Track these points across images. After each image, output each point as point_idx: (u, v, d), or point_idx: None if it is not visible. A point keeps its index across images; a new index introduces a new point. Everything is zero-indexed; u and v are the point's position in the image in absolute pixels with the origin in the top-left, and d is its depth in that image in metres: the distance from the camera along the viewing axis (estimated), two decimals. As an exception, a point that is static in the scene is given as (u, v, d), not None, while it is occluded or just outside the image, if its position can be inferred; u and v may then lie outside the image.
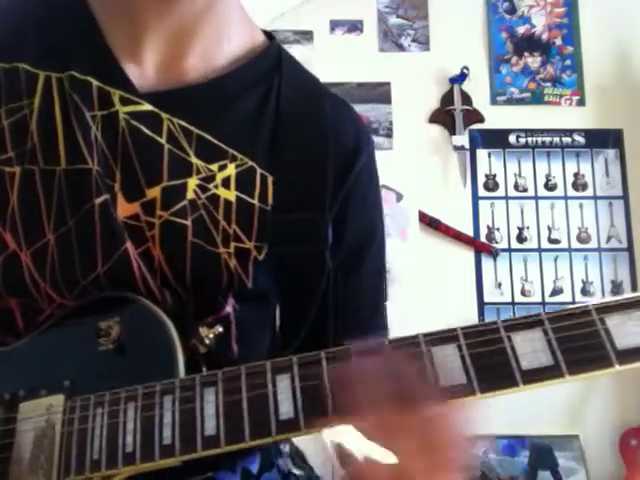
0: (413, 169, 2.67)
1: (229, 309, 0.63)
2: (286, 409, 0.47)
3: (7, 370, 0.58)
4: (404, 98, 2.76)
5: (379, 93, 2.74)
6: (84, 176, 0.60)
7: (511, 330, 0.47)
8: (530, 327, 0.46)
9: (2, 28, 0.66)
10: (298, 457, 0.75)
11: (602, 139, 2.77)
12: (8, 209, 0.60)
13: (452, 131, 2.75)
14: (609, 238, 2.71)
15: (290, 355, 0.50)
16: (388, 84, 2.77)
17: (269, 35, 0.73)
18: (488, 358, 0.46)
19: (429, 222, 2.64)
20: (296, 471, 0.72)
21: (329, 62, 2.65)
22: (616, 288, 2.68)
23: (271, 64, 0.70)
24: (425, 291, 2.53)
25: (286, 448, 0.73)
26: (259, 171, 0.64)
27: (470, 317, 2.65)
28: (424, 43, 2.84)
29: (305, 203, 0.65)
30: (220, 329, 0.58)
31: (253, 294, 0.64)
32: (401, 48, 2.84)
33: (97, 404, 0.51)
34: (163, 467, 0.49)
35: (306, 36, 2.76)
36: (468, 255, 2.70)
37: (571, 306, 0.47)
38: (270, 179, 0.64)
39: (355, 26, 2.84)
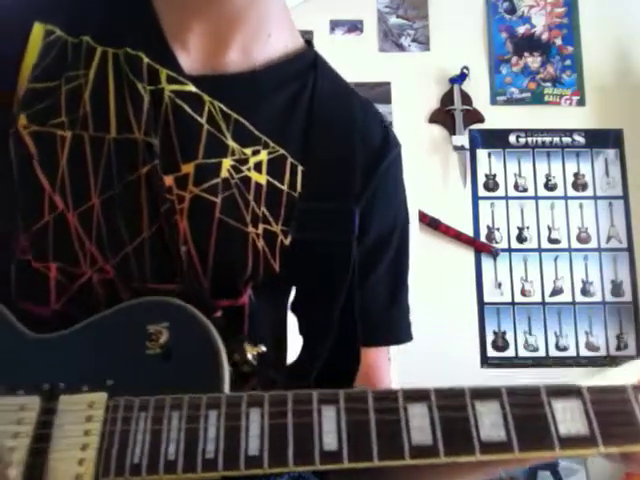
0: (413, 169, 2.66)
1: (245, 299, 0.63)
2: (330, 440, 0.47)
3: (48, 359, 0.57)
4: (404, 98, 2.76)
5: (379, 93, 2.73)
6: (132, 145, 0.63)
7: (552, 396, 0.48)
8: (569, 395, 0.48)
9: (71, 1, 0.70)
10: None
11: (602, 139, 2.77)
12: (58, 171, 0.62)
13: (452, 131, 2.75)
14: (609, 238, 2.72)
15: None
16: (388, 84, 2.77)
17: (308, 42, 0.78)
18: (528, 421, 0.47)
19: (429, 222, 2.64)
20: (305, 474, 0.72)
21: (329, 62, 2.64)
22: (616, 288, 2.68)
23: (307, 65, 0.74)
24: (425, 291, 2.53)
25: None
26: (289, 160, 0.67)
27: (470, 317, 2.65)
28: (424, 43, 2.84)
29: (333, 194, 0.68)
30: (263, 348, 0.59)
31: (274, 283, 0.64)
32: (401, 48, 2.84)
33: (141, 408, 0.50)
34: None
35: (306, 36, 2.74)
36: (468, 255, 2.70)
37: (610, 384, 0.49)
38: (300, 168, 0.67)
39: (355, 26, 2.84)
